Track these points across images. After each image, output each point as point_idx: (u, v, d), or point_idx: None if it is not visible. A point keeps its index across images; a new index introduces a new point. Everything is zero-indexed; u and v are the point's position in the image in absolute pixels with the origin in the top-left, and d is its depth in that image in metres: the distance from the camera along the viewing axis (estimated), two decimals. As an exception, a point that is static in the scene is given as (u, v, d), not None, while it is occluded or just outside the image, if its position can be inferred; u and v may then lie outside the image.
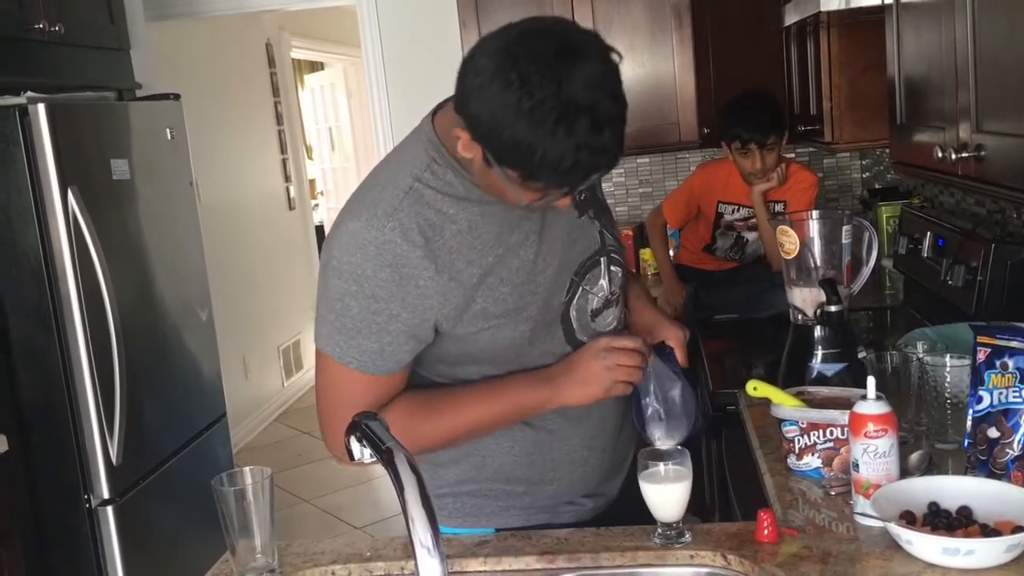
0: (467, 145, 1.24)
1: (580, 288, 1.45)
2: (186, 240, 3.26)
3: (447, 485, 1.50)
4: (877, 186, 3.48)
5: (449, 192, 1.34)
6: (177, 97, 3.22)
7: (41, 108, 2.52)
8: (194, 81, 4.70)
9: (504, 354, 1.41)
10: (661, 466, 1.33)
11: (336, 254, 1.33)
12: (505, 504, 1.50)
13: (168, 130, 3.15)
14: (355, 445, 1.07)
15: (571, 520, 1.50)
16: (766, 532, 1.32)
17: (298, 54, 7.01)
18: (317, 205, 8.55)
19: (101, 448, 2.62)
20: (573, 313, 1.44)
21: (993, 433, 1.37)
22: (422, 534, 0.89)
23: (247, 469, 1.38)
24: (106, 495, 2.65)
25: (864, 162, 3.87)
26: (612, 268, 1.49)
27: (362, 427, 1.06)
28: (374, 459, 1.04)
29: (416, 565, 0.90)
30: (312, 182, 8.29)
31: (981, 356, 1.40)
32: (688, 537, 1.34)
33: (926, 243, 2.41)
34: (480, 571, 1.36)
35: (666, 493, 1.32)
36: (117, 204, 2.85)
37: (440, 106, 1.42)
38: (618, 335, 1.45)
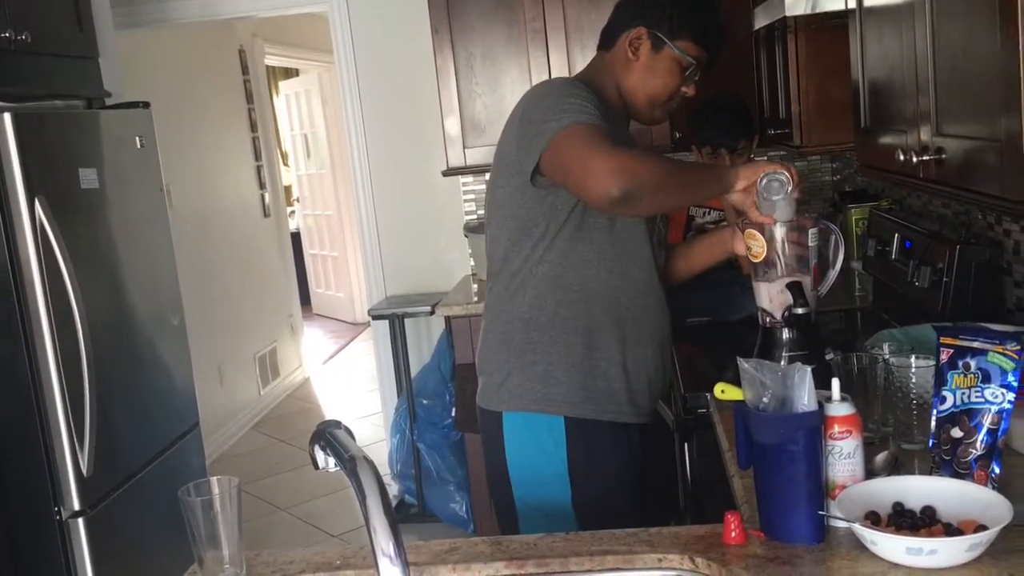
0: (635, 45, 1.88)
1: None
2: (157, 248, 3.24)
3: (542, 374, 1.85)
4: (847, 189, 3.50)
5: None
6: (147, 105, 3.20)
7: (7, 117, 2.49)
8: (165, 89, 4.68)
9: (619, 230, 1.89)
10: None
11: (538, 90, 1.85)
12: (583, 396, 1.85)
13: (138, 138, 3.12)
14: (319, 454, 1.07)
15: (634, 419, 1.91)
16: (733, 535, 1.33)
17: (272, 61, 7.00)
18: (293, 212, 8.53)
19: (71, 459, 2.60)
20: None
21: (956, 433, 1.38)
22: (384, 543, 0.89)
23: (214, 479, 1.37)
24: (76, 507, 2.62)
25: (834, 165, 3.90)
26: (661, 218, 2.02)
27: (326, 436, 1.06)
28: (337, 468, 1.04)
29: (378, 573, 0.90)
30: (288, 189, 8.28)
31: (944, 357, 1.42)
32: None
33: (894, 245, 2.44)
34: (449, 578, 1.36)
35: None
36: (86, 213, 2.83)
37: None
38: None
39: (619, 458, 1.91)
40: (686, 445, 2.31)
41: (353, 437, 1.08)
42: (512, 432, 1.89)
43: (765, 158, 3.17)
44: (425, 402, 3.92)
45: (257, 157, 6.15)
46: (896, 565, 1.20)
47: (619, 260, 1.88)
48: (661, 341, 1.97)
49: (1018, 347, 1.34)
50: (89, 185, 2.82)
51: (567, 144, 1.72)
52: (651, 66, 1.87)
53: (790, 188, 1.73)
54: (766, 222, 1.78)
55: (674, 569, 1.32)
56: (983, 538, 1.18)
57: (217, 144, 5.55)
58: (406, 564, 0.90)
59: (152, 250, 3.20)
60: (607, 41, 1.95)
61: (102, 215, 2.91)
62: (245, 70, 6.07)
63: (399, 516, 4.03)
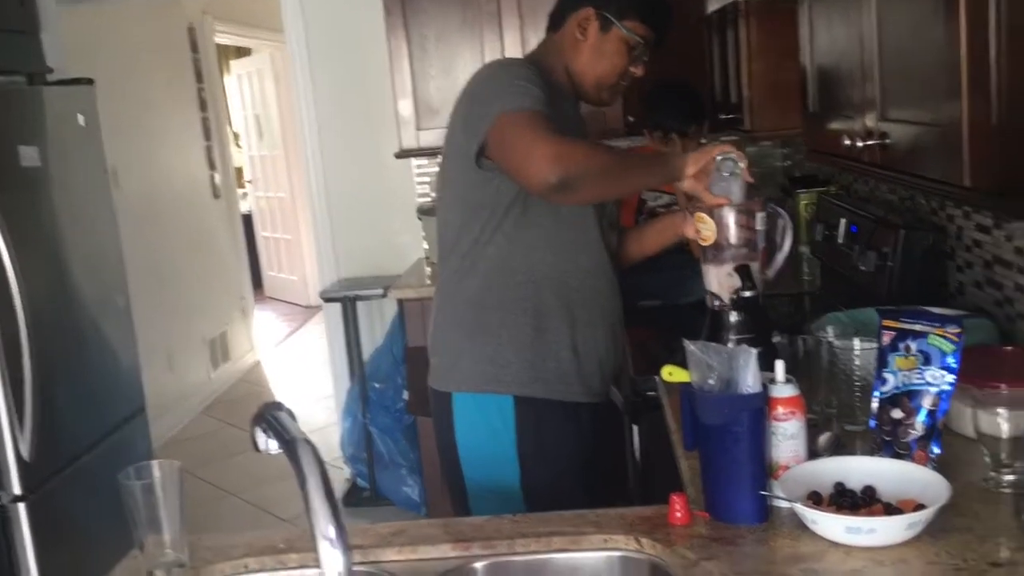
0: (583, 26, 1.88)
1: None
2: (101, 227, 3.17)
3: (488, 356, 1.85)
4: (797, 174, 3.54)
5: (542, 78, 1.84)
6: (90, 82, 3.13)
7: (-57, 92, 2.42)
8: (110, 66, 4.57)
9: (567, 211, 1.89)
10: None
11: (484, 71, 1.87)
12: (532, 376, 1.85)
13: (81, 116, 3.05)
14: (260, 436, 1.05)
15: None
16: (678, 515, 1.33)
17: (223, 39, 6.87)
18: (246, 194, 8.41)
19: (11, 443, 2.54)
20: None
21: (897, 414, 1.41)
22: (324, 526, 0.88)
23: (155, 462, 1.35)
24: (17, 491, 2.57)
25: (785, 151, 3.94)
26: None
27: (267, 417, 1.04)
28: (279, 450, 1.02)
29: (319, 557, 0.89)
30: (239, 170, 8.15)
31: (886, 339, 1.44)
32: None
33: (841, 230, 2.47)
34: (396, 560, 1.35)
35: None
36: (27, 192, 2.76)
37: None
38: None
39: (568, 438, 1.92)
40: (635, 427, 2.32)
41: (295, 419, 1.07)
42: (462, 413, 1.89)
43: (719, 141, 3.18)
44: (377, 385, 3.90)
45: (207, 137, 6.04)
46: (836, 544, 1.22)
47: (566, 244, 1.88)
48: (613, 323, 1.98)
49: (958, 330, 1.37)
50: (30, 163, 2.75)
51: (509, 129, 1.74)
52: (599, 47, 1.88)
53: (744, 164, 1.76)
54: (721, 203, 1.79)
55: (620, 550, 1.32)
56: (921, 517, 1.21)
57: (165, 124, 5.44)
58: (347, 547, 0.89)
59: (96, 230, 3.13)
60: (555, 22, 1.96)
61: (44, 194, 2.84)
62: (194, 48, 5.95)
63: (351, 500, 4.02)
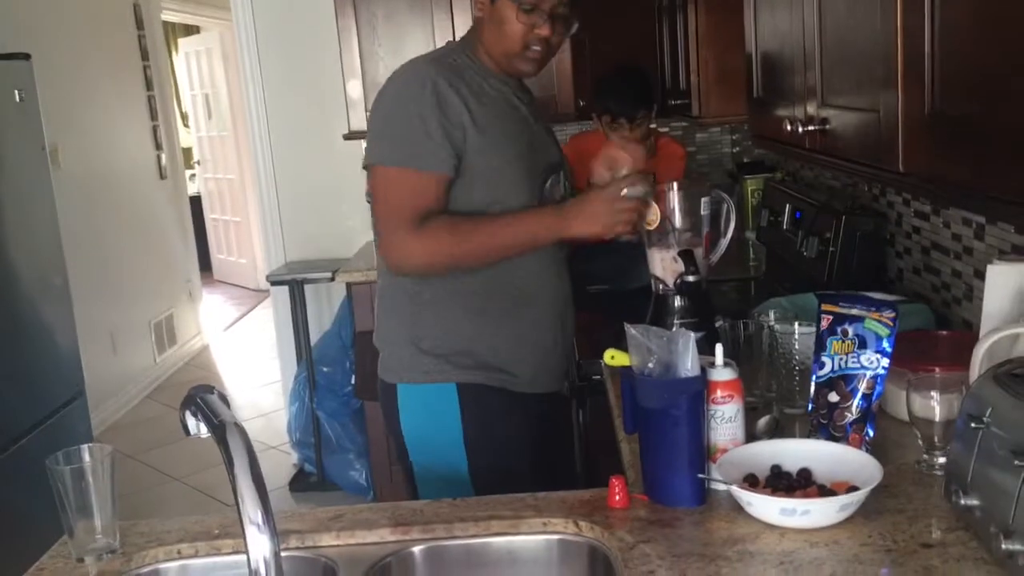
0: (480, 3, 1.77)
1: (550, 180, 1.85)
2: (37, 205, 3.09)
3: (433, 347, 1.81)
4: (745, 160, 3.57)
5: (470, 71, 1.79)
6: (27, 57, 3.04)
7: None
8: (49, 42, 4.44)
9: (502, 206, 1.76)
10: None
11: (386, 91, 1.77)
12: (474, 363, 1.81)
13: (17, 92, 2.97)
14: (190, 419, 1.03)
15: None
16: (617, 498, 1.34)
17: (169, 16, 6.73)
18: (194, 175, 8.26)
19: (-58, 428, 2.47)
20: (546, 193, 1.84)
21: (833, 397, 1.42)
22: (251, 511, 0.87)
23: (85, 447, 1.32)
24: (-51, 477, 2.51)
25: (734, 136, 3.97)
26: (565, 182, 1.92)
27: (196, 401, 1.02)
28: (209, 434, 1.00)
29: (245, 542, 0.87)
30: (188, 151, 8.01)
31: (824, 323, 1.45)
32: None
33: (786, 215, 2.49)
34: (333, 545, 1.34)
35: None
36: (-41, 169, 2.68)
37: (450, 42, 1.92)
38: (629, 187, 1.73)
39: (515, 425, 1.88)
40: (580, 411, 2.33)
41: (227, 403, 1.05)
42: (407, 403, 1.86)
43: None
44: (325, 369, 3.86)
45: (153, 117, 5.92)
46: (771, 526, 1.23)
47: None
48: (560, 311, 1.92)
49: (893, 314, 1.39)
50: (-38, 140, 2.67)
51: (379, 189, 1.76)
52: (492, 17, 1.77)
53: (645, 189, 1.75)
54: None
55: (558, 533, 1.32)
56: (854, 498, 1.22)
57: (108, 102, 5.31)
58: (275, 532, 0.88)
59: (32, 208, 3.06)
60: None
61: (-23, 172, 2.76)
62: (140, 25, 5.82)
63: (299, 485, 3.99)
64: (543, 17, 1.74)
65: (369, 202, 3.86)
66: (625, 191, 1.72)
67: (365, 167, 1.77)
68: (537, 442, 1.94)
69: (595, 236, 1.74)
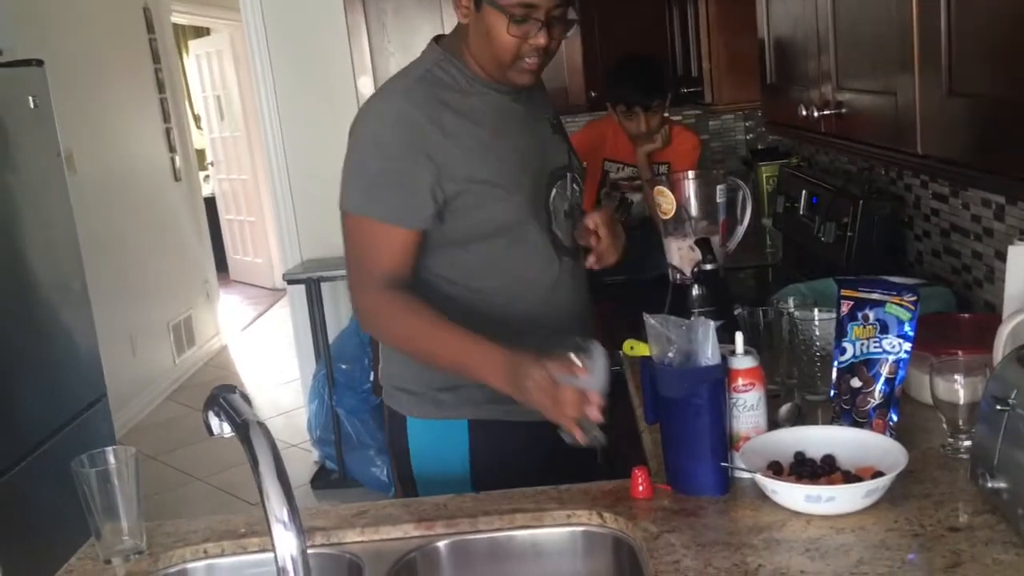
0: (464, 4, 1.54)
1: (555, 188, 1.68)
2: (54, 211, 3.11)
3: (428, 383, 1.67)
4: (759, 147, 3.55)
5: (454, 83, 1.60)
6: (40, 63, 3.05)
7: None
8: (62, 47, 4.47)
9: (505, 230, 1.61)
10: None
11: (358, 129, 1.59)
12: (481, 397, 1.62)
13: (31, 98, 2.98)
14: (213, 419, 1.04)
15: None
16: (640, 489, 1.34)
17: (179, 19, 6.75)
18: (207, 176, 8.30)
19: (-32, 434, 2.50)
20: (552, 206, 1.67)
21: (856, 383, 1.41)
22: (277, 508, 0.87)
23: (110, 449, 1.33)
24: (-24, 482, 2.53)
25: (747, 124, 3.95)
26: (574, 185, 1.74)
27: (219, 400, 1.03)
28: (232, 433, 1.01)
29: (272, 540, 0.87)
30: (201, 152, 8.04)
31: (844, 309, 1.44)
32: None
33: (802, 201, 2.48)
34: (358, 541, 1.34)
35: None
36: (-24, 177, 2.70)
37: (438, 37, 1.68)
38: (569, 378, 1.39)
39: (522, 453, 1.70)
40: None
41: (250, 402, 1.05)
42: (416, 436, 1.73)
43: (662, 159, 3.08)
44: (344, 367, 3.87)
45: (166, 119, 5.94)
46: (797, 513, 1.23)
47: (513, 264, 1.65)
48: (563, 324, 1.69)
49: (914, 298, 1.38)
50: (-21, 147, 2.69)
51: (347, 232, 1.62)
52: (478, 27, 1.54)
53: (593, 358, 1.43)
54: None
55: (583, 525, 1.32)
56: (879, 484, 1.21)
57: (121, 106, 5.34)
58: (301, 529, 0.88)
59: (49, 214, 3.08)
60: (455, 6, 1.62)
61: (-6, 178, 2.78)
62: (151, 28, 5.84)
63: (320, 483, 4.00)
64: (537, 25, 1.51)
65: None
66: (567, 394, 1.38)
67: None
68: (547, 460, 1.73)
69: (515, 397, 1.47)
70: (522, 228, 1.62)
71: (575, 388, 1.37)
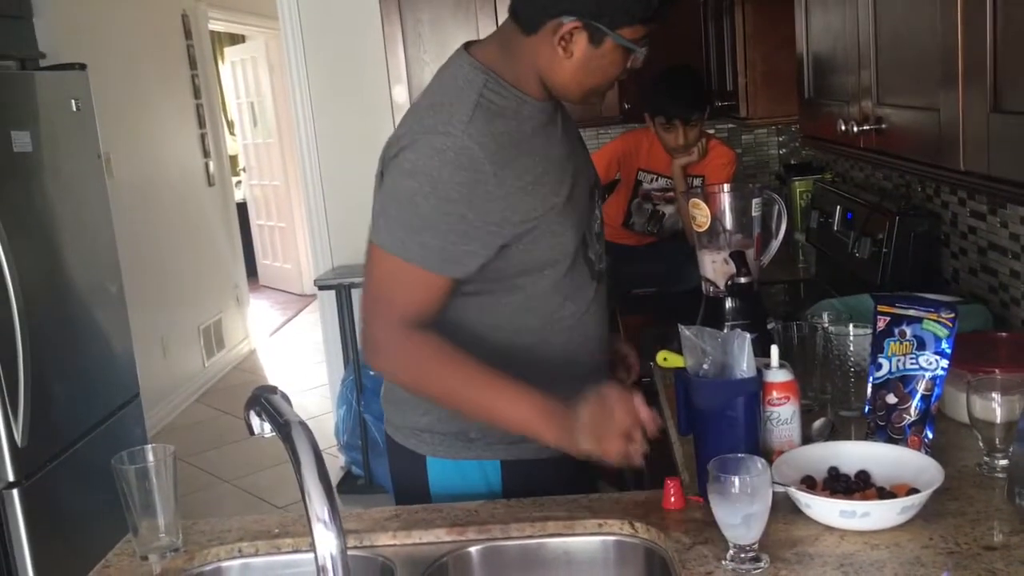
0: (567, 39, 1.42)
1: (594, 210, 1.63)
2: (93, 213, 3.16)
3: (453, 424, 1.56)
4: (793, 162, 3.54)
5: (507, 107, 1.48)
6: (83, 67, 3.11)
7: (-65, 77, 2.41)
8: (104, 52, 4.54)
9: (555, 263, 1.51)
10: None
11: (411, 157, 1.42)
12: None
13: (74, 101, 3.04)
14: (254, 419, 1.05)
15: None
16: (672, 499, 1.34)
17: (216, 26, 6.84)
18: (239, 182, 8.38)
19: (4, 430, 2.54)
20: (591, 228, 1.60)
21: (891, 399, 1.41)
22: (319, 508, 0.88)
23: (149, 447, 1.35)
24: (11, 477, 2.57)
25: (781, 138, 3.94)
26: (598, 200, 1.68)
27: (261, 401, 1.04)
28: (273, 433, 1.02)
29: (313, 539, 0.89)
30: (234, 158, 8.13)
31: (881, 324, 1.44)
32: (764, 563, 1.16)
33: (836, 217, 2.47)
34: (390, 544, 1.35)
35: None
36: (18, 177, 2.75)
37: (468, 45, 1.55)
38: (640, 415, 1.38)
39: (557, 485, 1.55)
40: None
41: (290, 403, 1.06)
42: (439, 479, 1.61)
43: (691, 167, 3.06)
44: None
45: (201, 125, 6.02)
46: (830, 528, 1.22)
47: (546, 301, 1.54)
48: (593, 350, 1.64)
49: (952, 315, 1.37)
50: (22, 148, 2.74)
51: (372, 266, 1.49)
52: (589, 63, 1.44)
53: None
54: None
55: (614, 534, 1.33)
56: (915, 501, 1.21)
57: (158, 111, 5.42)
58: (341, 529, 0.89)
59: (89, 216, 3.13)
60: (527, 23, 1.45)
61: (36, 179, 2.83)
62: (188, 35, 5.92)
63: (347, 488, 4.02)
64: (640, 56, 1.47)
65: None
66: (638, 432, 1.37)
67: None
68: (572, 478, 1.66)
69: (576, 452, 1.41)
70: (568, 259, 1.53)
71: (627, 411, 1.36)
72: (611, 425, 1.36)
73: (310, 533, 0.89)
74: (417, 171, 1.42)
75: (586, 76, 1.46)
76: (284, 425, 0.96)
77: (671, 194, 3.11)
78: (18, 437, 2.56)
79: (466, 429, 1.56)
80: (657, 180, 3.15)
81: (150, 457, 1.33)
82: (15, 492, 2.58)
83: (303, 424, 0.96)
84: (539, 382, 1.43)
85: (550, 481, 1.54)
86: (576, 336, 1.58)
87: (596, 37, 1.42)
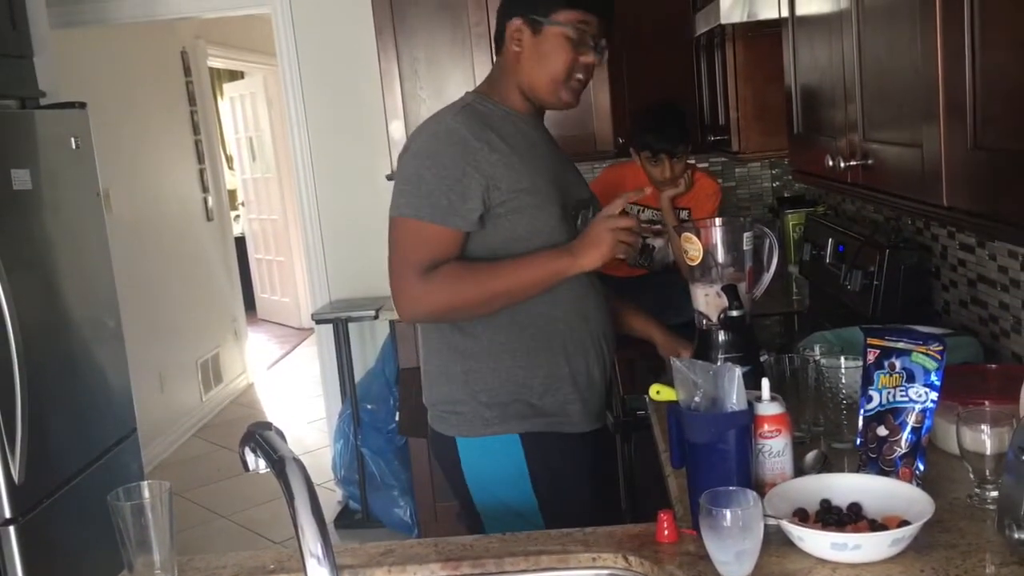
0: (517, 37, 1.79)
1: (580, 215, 1.87)
2: (92, 249, 3.18)
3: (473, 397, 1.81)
4: (786, 194, 3.57)
5: (493, 114, 1.81)
6: (83, 106, 3.14)
7: (-64, 116, 2.44)
8: (103, 90, 4.59)
9: (539, 235, 1.78)
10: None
11: (412, 146, 1.79)
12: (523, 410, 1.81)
13: (73, 139, 3.07)
14: (249, 456, 1.06)
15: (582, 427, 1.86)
16: (666, 533, 1.34)
17: (215, 63, 6.91)
18: (238, 216, 8.42)
19: (2, 467, 2.53)
20: (579, 229, 1.84)
21: (882, 431, 1.42)
22: (312, 544, 0.89)
23: (145, 483, 1.35)
24: (8, 515, 2.56)
25: (774, 171, 3.97)
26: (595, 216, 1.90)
27: (256, 437, 1.05)
28: (267, 469, 1.03)
29: (306, 574, 0.89)
30: (233, 192, 8.17)
31: (871, 357, 1.45)
32: None
33: (828, 249, 2.49)
34: (385, 580, 1.35)
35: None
36: (18, 215, 2.77)
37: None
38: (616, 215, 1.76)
39: (575, 464, 1.88)
40: (625, 446, 2.33)
41: (284, 439, 1.08)
42: (469, 455, 1.85)
43: (694, 163, 3.17)
44: (369, 407, 3.90)
45: (200, 160, 6.06)
46: (823, 560, 1.23)
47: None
48: (598, 337, 1.91)
49: (940, 347, 1.38)
50: (22, 186, 2.76)
51: (394, 237, 1.77)
52: (537, 51, 1.79)
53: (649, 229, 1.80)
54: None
55: (608, 568, 1.33)
56: (906, 533, 1.22)
57: (158, 147, 5.46)
58: (334, 565, 0.90)
59: (87, 252, 3.14)
60: (499, 44, 1.88)
61: (35, 217, 2.85)
62: (187, 72, 5.99)
63: (343, 522, 4.01)
64: (588, 45, 1.78)
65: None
66: (620, 220, 1.73)
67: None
68: (595, 475, 1.94)
69: (601, 263, 1.75)
70: (554, 234, 1.78)
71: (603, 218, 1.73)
72: (598, 231, 1.72)
73: (303, 568, 0.90)
74: (419, 152, 1.76)
75: (540, 64, 1.78)
76: (278, 461, 0.98)
77: (658, 227, 3.14)
78: (15, 474, 2.56)
79: (481, 403, 1.80)
80: (644, 212, 3.18)
81: (146, 494, 1.33)
82: (11, 529, 2.57)
83: (297, 460, 0.98)
84: (555, 342, 1.80)
85: (569, 454, 1.84)
86: (575, 310, 1.85)
87: (535, 26, 1.78)
